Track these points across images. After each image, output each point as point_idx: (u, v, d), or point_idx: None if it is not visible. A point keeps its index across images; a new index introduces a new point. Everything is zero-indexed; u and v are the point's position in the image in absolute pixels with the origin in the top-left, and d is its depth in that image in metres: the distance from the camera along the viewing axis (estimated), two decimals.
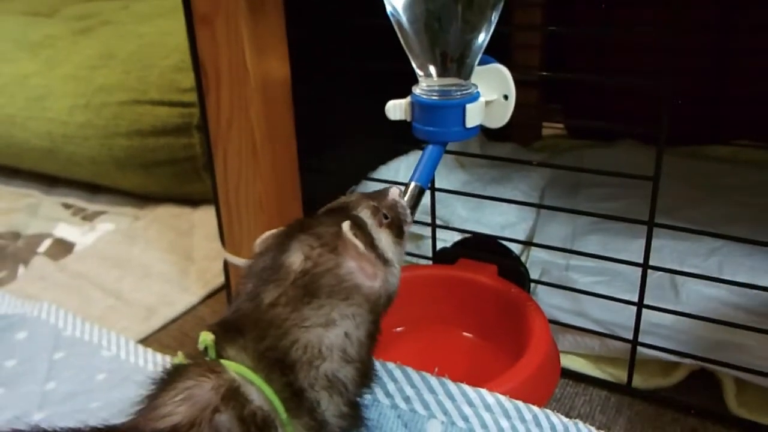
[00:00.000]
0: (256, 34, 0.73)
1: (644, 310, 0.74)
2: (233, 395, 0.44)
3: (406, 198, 0.63)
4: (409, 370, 0.58)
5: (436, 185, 0.94)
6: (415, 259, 0.90)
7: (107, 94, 1.29)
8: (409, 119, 0.67)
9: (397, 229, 0.58)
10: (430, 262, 0.85)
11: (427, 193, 0.87)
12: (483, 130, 1.53)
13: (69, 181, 1.43)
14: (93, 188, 1.41)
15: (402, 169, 1.20)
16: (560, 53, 1.48)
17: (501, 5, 0.63)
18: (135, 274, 1.07)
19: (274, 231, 0.56)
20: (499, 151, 1.38)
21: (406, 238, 0.60)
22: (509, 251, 0.80)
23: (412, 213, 0.63)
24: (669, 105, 0.65)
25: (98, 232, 1.23)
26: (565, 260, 0.97)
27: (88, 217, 1.30)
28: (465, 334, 0.78)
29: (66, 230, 1.24)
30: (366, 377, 0.52)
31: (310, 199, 0.87)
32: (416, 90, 0.66)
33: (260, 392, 0.46)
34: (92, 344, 0.86)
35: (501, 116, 0.70)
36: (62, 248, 1.17)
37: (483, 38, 0.64)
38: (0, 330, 0.88)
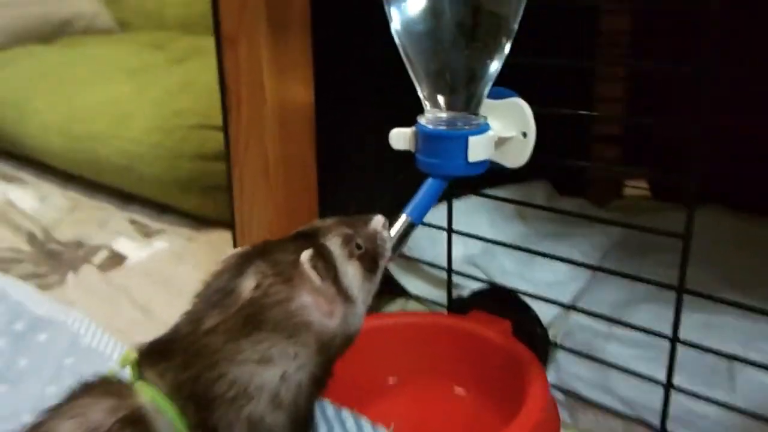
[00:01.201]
0: (277, 55, 0.72)
1: (681, 396, 0.63)
2: (134, 422, 0.40)
3: (393, 230, 0.58)
4: (364, 421, 0.52)
5: (490, 234, 0.87)
6: (431, 306, 0.83)
7: (180, 118, 1.34)
8: (413, 150, 0.63)
9: (370, 262, 0.53)
10: (445, 311, 0.79)
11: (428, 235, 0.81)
12: (555, 185, 1.43)
13: (142, 199, 1.49)
14: (162, 207, 1.46)
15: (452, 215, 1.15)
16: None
17: (512, 33, 0.58)
18: (171, 293, 1.08)
19: (239, 249, 0.53)
20: (564, 207, 1.28)
21: (380, 273, 0.55)
22: (528, 308, 0.72)
23: (397, 247, 0.58)
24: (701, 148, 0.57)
25: (152, 249, 1.26)
26: (608, 328, 0.86)
27: (149, 234, 1.34)
28: (460, 389, 0.70)
29: (124, 244, 1.28)
30: (300, 427, 0.47)
31: None
32: (420, 119, 0.61)
33: (171, 425, 0.42)
34: (104, 355, 0.86)
35: (519, 155, 0.64)
36: (115, 261, 1.21)
37: (493, 67, 0.59)
38: (26, 329, 0.91)
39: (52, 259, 1.21)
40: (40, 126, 1.65)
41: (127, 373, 0.45)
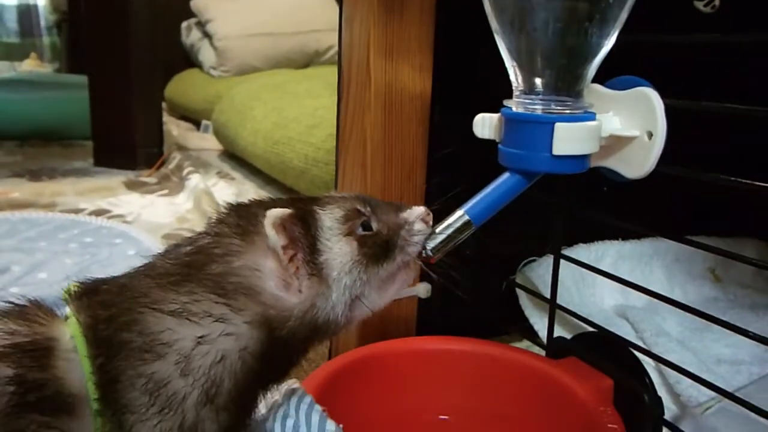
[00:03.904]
0: (387, 37, 0.66)
1: None
2: (32, 351, 0.37)
3: (442, 226, 0.48)
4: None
5: (665, 290, 0.70)
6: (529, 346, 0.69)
7: None
8: (497, 139, 0.52)
9: (378, 248, 0.44)
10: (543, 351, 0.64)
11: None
12: None
13: None
14: None
15: (609, 257, 0.96)
16: None
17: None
18: None
19: (238, 201, 0.48)
20: None
21: (393, 267, 0.45)
22: (642, 370, 0.55)
23: (442, 246, 0.47)
24: None
25: None
26: None
27: None
28: None
29: None
30: (219, 411, 0.39)
31: None
32: (508, 102, 0.50)
33: (80, 366, 0.38)
34: None
35: (641, 162, 0.49)
36: None
37: (601, 41, 0.46)
38: None
39: None
40: (252, 130, 1.81)
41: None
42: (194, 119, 2.83)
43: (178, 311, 0.39)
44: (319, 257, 0.42)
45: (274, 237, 0.40)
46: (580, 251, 0.92)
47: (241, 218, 0.42)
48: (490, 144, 0.53)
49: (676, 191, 0.81)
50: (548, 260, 0.89)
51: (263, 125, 1.77)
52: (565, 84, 0.47)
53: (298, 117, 1.65)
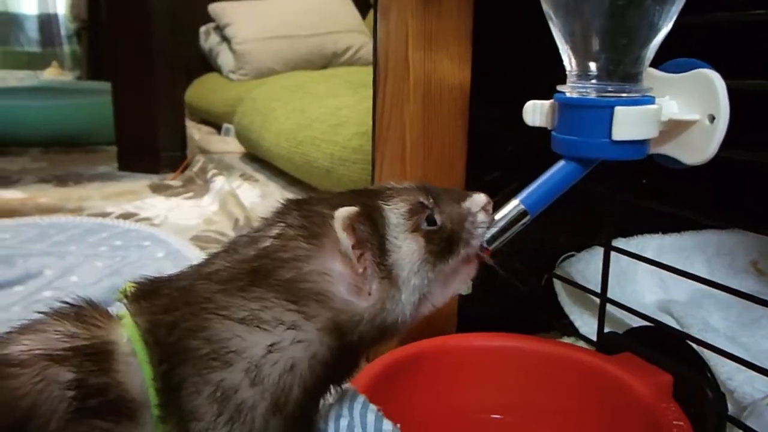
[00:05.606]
0: (425, 28, 0.65)
1: None
2: (92, 354, 0.36)
3: (497, 216, 0.46)
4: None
5: (709, 276, 0.68)
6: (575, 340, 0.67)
7: None
8: (549, 126, 0.50)
9: (443, 243, 0.43)
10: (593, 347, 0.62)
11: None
12: None
13: None
14: None
15: (650, 250, 0.94)
16: None
17: None
18: None
19: (295, 197, 0.47)
20: None
21: (457, 261, 0.44)
22: (702, 364, 0.53)
23: (499, 237, 0.46)
24: None
25: None
26: None
27: None
28: None
29: None
30: (288, 421, 0.38)
31: None
32: (562, 87, 0.49)
33: (139, 370, 0.36)
34: None
35: (702, 147, 0.47)
36: None
37: (660, 22, 0.44)
38: None
39: None
40: (275, 131, 1.81)
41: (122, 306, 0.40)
42: (215, 123, 2.84)
43: (247, 318, 0.37)
44: (388, 258, 0.40)
45: (346, 240, 0.38)
46: (620, 245, 0.89)
47: (306, 218, 0.41)
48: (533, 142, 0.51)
49: (714, 184, 0.79)
50: (587, 255, 0.87)
51: (286, 126, 1.77)
52: (623, 67, 0.46)
53: (320, 117, 1.64)
